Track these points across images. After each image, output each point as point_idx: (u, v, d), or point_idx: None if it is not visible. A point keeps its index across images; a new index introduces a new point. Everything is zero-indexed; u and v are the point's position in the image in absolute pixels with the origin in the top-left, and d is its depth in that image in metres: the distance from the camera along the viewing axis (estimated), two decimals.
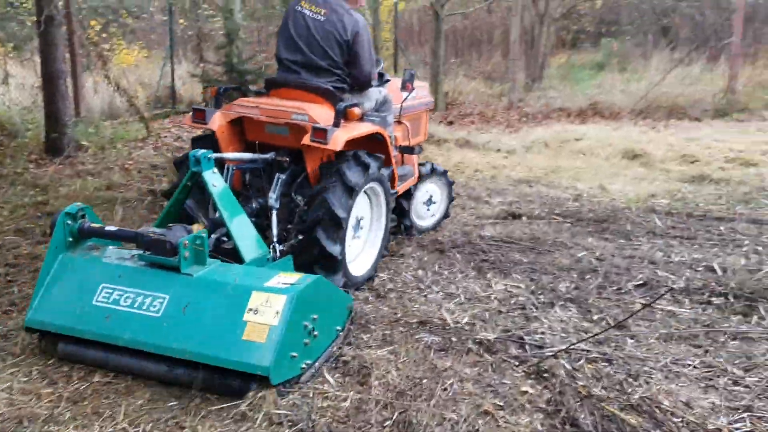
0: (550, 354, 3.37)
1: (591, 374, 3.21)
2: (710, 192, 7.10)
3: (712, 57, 15.28)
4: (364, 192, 4.37)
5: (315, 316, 3.19)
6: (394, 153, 4.74)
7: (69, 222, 3.47)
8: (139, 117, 9.32)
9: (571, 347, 3.44)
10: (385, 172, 4.47)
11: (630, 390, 3.06)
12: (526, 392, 3.06)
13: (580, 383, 3.11)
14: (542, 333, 3.66)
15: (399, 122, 5.20)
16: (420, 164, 5.53)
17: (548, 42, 17.03)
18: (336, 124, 4.02)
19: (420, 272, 4.62)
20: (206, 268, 3.31)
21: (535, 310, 3.99)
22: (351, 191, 4.01)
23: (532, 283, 4.43)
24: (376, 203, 4.59)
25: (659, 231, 5.67)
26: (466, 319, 3.82)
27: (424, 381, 3.12)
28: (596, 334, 3.58)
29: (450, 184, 5.80)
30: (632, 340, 3.59)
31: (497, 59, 17.95)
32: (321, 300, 3.32)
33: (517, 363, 3.33)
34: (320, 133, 3.89)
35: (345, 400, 2.95)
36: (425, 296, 4.19)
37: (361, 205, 4.38)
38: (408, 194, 5.37)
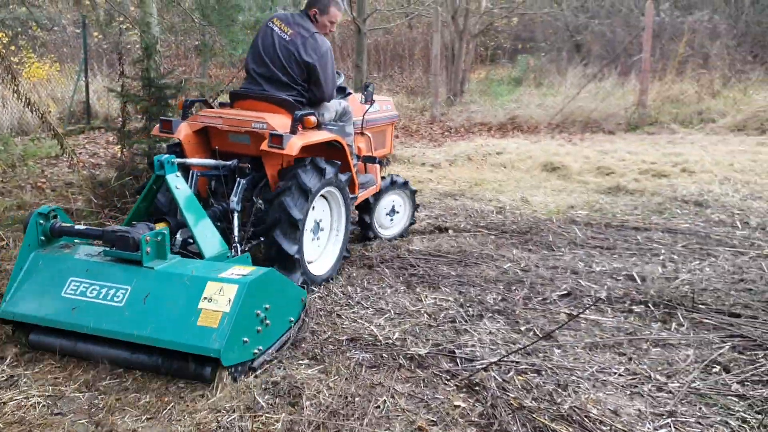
0: (481, 367, 3.39)
1: (521, 386, 3.24)
2: (626, 203, 7.37)
3: (623, 72, 15.93)
4: (323, 196, 4.67)
5: (267, 306, 3.42)
6: (354, 162, 5.05)
7: (41, 222, 3.72)
8: (52, 133, 8.93)
9: (502, 360, 3.47)
10: (343, 177, 4.72)
11: (560, 400, 3.10)
12: (458, 406, 3.05)
13: (512, 395, 3.13)
14: (472, 346, 3.68)
15: (362, 133, 5.50)
16: (380, 177, 5.73)
17: (468, 58, 17.38)
18: (293, 132, 4.30)
19: (349, 288, 4.57)
20: (167, 262, 3.56)
21: (464, 323, 4.01)
22: (307, 195, 4.29)
23: (461, 296, 4.46)
24: (335, 207, 4.86)
25: (580, 241, 5.83)
26: (396, 335, 3.80)
27: (357, 399, 3.08)
28: (525, 346, 3.63)
29: (412, 192, 6.00)
30: (559, 350, 3.66)
31: (419, 74, 18.18)
32: (273, 291, 3.53)
33: (448, 377, 3.33)
34: (277, 139, 4.18)
35: (277, 422, 2.87)
36: (355, 312, 4.15)
37: (320, 209, 4.70)
38: (368, 207, 5.62)
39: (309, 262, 4.55)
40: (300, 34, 4.69)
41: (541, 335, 3.84)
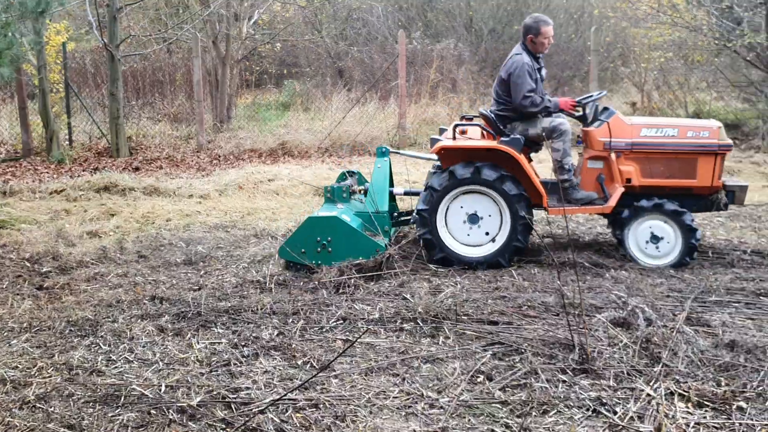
0: (258, 410, 3.26)
1: (300, 423, 3.17)
2: None
3: (383, 97, 16.68)
4: (483, 194, 5.72)
5: (329, 239, 5.40)
6: (566, 176, 5.79)
7: (345, 175, 6.55)
8: None
9: (279, 399, 3.37)
10: (509, 185, 5.58)
11: None
12: None
13: None
14: (248, 389, 3.54)
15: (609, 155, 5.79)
16: (643, 198, 5.69)
17: (233, 83, 17.14)
18: (453, 138, 5.79)
19: (111, 339, 4.19)
20: (335, 204, 5.95)
21: (239, 364, 3.85)
22: (449, 176, 5.70)
23: (235, 335, 4.29)
24: (502, 208, 5.70)
25: None
26: (165, 387, 3.53)
27: None
28: (303, 382, 3.56)
29: (689, 230, 5.60)
30: (336, 380, 3.65)
31: (182, 100, 17.55)
32: (336, 232, 5.42)
33: (223, 426, 3.16)
34: (431, 142, 6.00)
35: None
36: (117, 367, 3.80)
37: (476, 203, 5.77)
38: (622, 224, 5.79)
39: (460, 242, 5.80)
40: (510, 55, 5.91)
41: (318, 367, 3.81)
